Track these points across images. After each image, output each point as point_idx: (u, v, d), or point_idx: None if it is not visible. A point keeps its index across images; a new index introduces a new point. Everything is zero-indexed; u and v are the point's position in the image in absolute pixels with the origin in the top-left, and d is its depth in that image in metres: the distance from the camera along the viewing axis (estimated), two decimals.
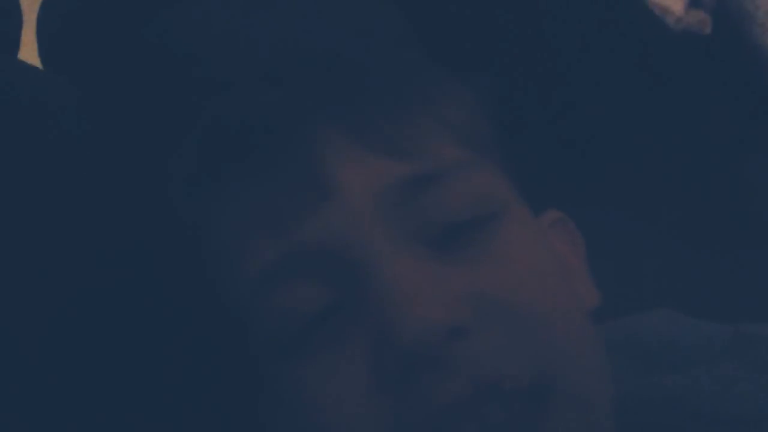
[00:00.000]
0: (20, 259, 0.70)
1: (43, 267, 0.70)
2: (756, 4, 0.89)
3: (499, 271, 0.60)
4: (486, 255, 0.60)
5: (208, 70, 0.70)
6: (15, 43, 0.79)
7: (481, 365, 0.57)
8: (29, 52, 0.80)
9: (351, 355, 0.58)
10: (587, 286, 0.67)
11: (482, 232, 0.60)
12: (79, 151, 0.73)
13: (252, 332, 0.61)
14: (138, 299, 0.65)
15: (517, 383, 0.57)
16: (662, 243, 0.81)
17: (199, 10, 0.74)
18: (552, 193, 0.70)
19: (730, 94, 0.88)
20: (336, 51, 0.70)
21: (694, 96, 0.87)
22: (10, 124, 0.72)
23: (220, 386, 0.63)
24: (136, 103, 0.72)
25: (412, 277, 0.58)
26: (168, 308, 0.64)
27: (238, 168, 0.61)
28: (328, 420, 0.59)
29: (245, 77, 0.66)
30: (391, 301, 0.57)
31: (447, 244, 0.60)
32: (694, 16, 0.90)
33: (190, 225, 0.63)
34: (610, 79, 0.86)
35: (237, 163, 0.61)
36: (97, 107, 0.75)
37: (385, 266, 0.58)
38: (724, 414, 0.69)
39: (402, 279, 0.58)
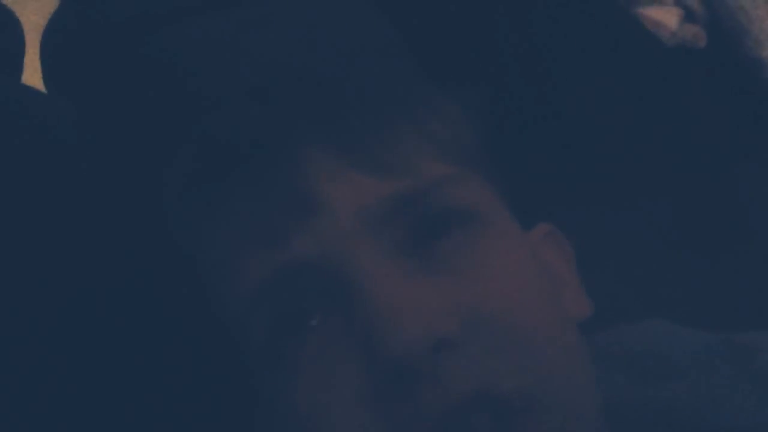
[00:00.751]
0: (21, 267, 0.71)
1: (45, 275, 0.71)
2: (749, 18, 0.90)
3: (483, 283, 0.61)
4: (471, 268, 0.61)
5: (201, 87, 0.71)
6: (18, 66, 0.80)
7: (468, 377, 0.58)
8: (34, 76, 0.81)
9: (340, 368, 0.59)
10: (579, 297, 0.68)
11: (467, 246, 0.61)
12: (78, 168, 0.74)
13: (245, 344, 0.62)
14: (135, 305, 0.66)
15: (503, 395, 0.58)
16: (655, 251, 0.81)
17: (193, 29, 0.75)
18: (544, 200, 0.71)
19: (724, 106, 0.88)
20: (322, 70, 0.71)
21: (689, 107, 0.88)
22: (11, 142, 0.73)
23: (216, 394, 0.64)
24: (130, 120, 0.73)
25: (398, 291, 0.59)
26: (165, 314, 0.65)
27: (227, 183, 0.63)
28: (319, 429, 0.59)
29: (234, 94, 0.67)
30: (378, 315, 0.58)
31: (432, 258, 0.61)
32: (688, 30, 0.91)
33: (184, 238, 0.65)
34: (605, 92, 0.86)
35: (226, 178, 0.63)
36: (94, 124, 0.76)
37: (372, 281, 0.59)
38: (719, 424, 0.69)
39: (388, 293, 0.59)
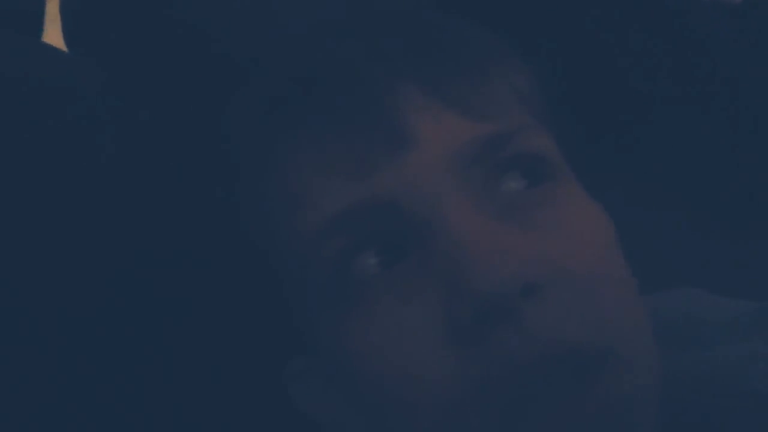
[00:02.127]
0: (46, 239, 0.71)
1: (75, 248, 0.71)
2: None
3: (567, 237, 0.61)
4: (554, 221, 0.61)
5: (276, 23, 0.70)
6: (39, 25, 0.80)
7: (553, 327, 0.58)
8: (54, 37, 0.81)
9: (420, 307, 0.59)
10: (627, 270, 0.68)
11: (550, 198, 0.62)
12: (107, 131, 0.74)
13: (311, 282, 0.61)
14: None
15: (584, 348, 0.58)
16: (685, 224, 0.81)
17: None
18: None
19: (763, 67, 0.87)
20: (415, 12, 0.70)
21: (727, 69, 0.87)
22: (37, 107, 0.72)
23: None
24: (172, 68, 0.73)
25: (486, 231, 0.59)
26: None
27: (313, 112, 0.62)
28: (397, 370, 0.59)
29: (320, 30, 0.66)
30: (465, 254, 0.58)
31: (517, 206, 0.61)
32: None
33: (252, 171, 0.63)
34: (643, 52, 0.85)
35: (312, 108, 0.62)
36: (125, 81, 0.76)
37: (460, 220, 0.59)
38: (750, 390, 0.69)
39: (477, 233, 0.58)
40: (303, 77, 0.63)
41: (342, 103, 0.61)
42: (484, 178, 0.61)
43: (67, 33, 0.78)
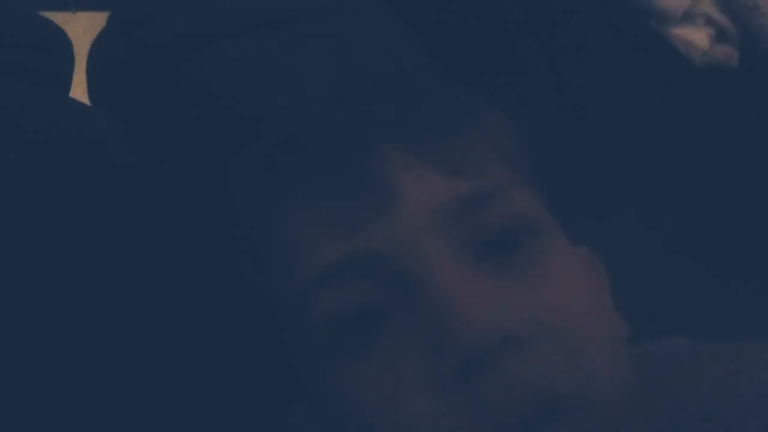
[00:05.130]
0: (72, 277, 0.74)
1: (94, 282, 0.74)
2: None
3: (547, 291, 0.63)
4: (534, 275, 0.64)
5: (267, 94, 0.73)
6: (67, 83, 0.83)
7: (530, 377, 0.60)
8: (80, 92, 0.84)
9: (405, 357, 0.62)
10: (614, 320, 0.70)
11: (531, 253, 0.64)
12: (126, 176, 0.77)
13: (305, 331, 0.64)
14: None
15: (560, 397, 0.60)
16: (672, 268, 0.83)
17: (235, 49, 0.78)
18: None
19: (759, 126, 0.88)
20: (399, 77, 0.74)
21: (721, 127, 0.88)
22: (63, 154, 0.76)
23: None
24: (181, 129, 0.76)
25: (467, 286, 0.61)
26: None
27: (306, 173, 0.65)
28: (386, 418, 0.62)
29: (314, 96, 0.70)
30: (447, 308, 0.60)
31: (498, 261, 0.63)
32: (720, 50, 0.91)
33: (250, 225, 0.67)
34: (635, 111, 0.87)
35: (306, 169, 0.65)
36: (142, 138, 0.79)
37: (442, 276, 0.62)
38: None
39: (458, 287, 0.61)
40: (294, 140, 0.67)
41: (330, 164, 0.65)
42: (467, 235, 0.63)
43: (91, 90, 0.82)
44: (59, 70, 0.83)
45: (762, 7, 0.91)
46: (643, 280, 0.79)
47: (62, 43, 0.84)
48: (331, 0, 0.85)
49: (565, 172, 0.83)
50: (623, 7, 0.91)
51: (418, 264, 0.62)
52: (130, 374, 0.72)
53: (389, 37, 0.85)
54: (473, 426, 0.60)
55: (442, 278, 0.62)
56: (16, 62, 0.80)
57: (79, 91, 0.83)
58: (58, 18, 0.85)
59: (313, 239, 0.64)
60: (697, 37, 0.90)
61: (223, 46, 0.79)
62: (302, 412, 0.68)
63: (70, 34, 0.83)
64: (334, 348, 0.64)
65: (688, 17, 0.91)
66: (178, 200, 0.75)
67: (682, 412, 0.70)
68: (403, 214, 0.63)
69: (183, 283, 0.73)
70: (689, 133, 0.87)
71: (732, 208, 0.85)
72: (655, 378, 0.72)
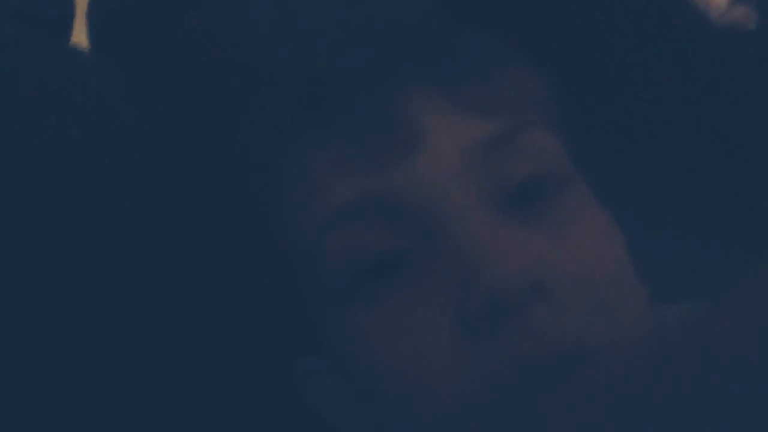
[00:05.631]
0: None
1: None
2: None
3: (570, 239, 0.62)
4: (559, 224, 0.63)
5: (284, 35, 0.72)
6: (67, 30, 0.81)
7: (556, 326, 0.59)
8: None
9: (427, 305, 0.60)
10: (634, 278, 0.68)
11: (555, 200, 0.63)
12: (128, 129, 0.75)
13: (321, 275, 0.62)
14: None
15: (581, 348, 0.60)
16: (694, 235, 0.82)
17: None
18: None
19: None
20: (423, 19, 0.71)
21: (736, 92, 0.87)
22: (62, 106, 0.74)
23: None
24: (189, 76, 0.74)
25: (493, 232, 0.60)
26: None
27: (326, 114, 0.64)
28: (409, 365, 0.60)
29: (333, 40, 0.68)
30: (474, 253, 0.59)
31: (523, 207, 0.62)
32: (738, 11, 0.90)
33: (264, 166, 0.65)
34: (651, 73, 0.86)
35: (325, 110, 0.64)
36: (145, 86, 0.77)
37: (469, 219, 0.60)
38: None
39: (485, 232, 0.60)
40: (314, 82, 0.65)
41: (354, 105, 0.63)
42: (492, 179, 0.62)
43: (92, 36, 0.80)
44: (59, 16, 0.81)
45: None
46: (660, 244, 0.78)
47: None
48: None
49: (587, 120, 0.81)
50: None
51: (441, 207, 0.61)
52: (139, 314, 0.70)
53: None
54: (498, 375, 0.58)
55: (468, 223, 0.60)
56: (15, 8, 0.78)
57: (80, 38, 0.81)
58: None
59: (329, 179, 0.62)
60: None
61: None
62: (310, 366, 0.66)
63: None
64: (349, 296, 0.62)
65: None
66: (183, 148, 0.73)
67: (695, 371, 0.69)
68: (427, 155, 0.62)
69: (189, 228, 0.71)
70: (703, 94, 0.86)
71: (753, 172, 0.83)
72: (670, 341, 0.71)
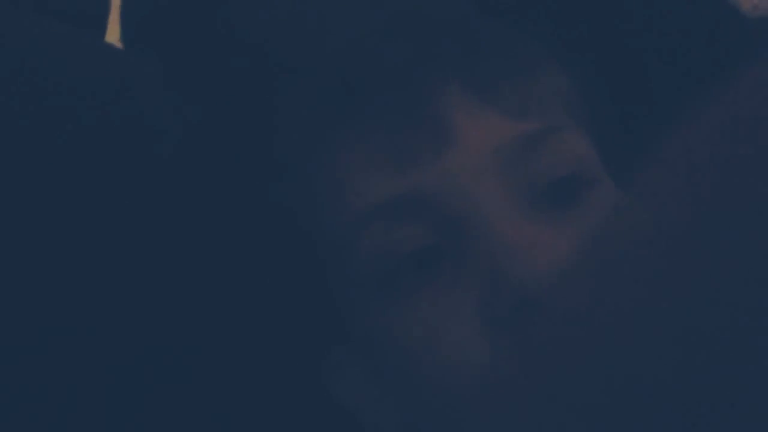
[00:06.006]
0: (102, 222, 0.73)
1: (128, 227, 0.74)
2: None
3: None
4: (588, 224, 0.63)
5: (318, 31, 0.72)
6: (103, 25, 0.82)
7: (584, 319, 0.60)
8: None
9: (456, 300, 0.62)
10: None
11: (585, 200, 0.64)
12: (161, 124, 0.76)
13: (351, 270, 0.64)
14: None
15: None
16: None
17: None
18: None
19: None
20: (457, 17, 0.72)
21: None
22: (97, 102, 0.75)
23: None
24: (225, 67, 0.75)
25: (523, 230, 0.61)
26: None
27: (359, 110, 0.64)
28: (437, 359, 0.62)
29: (367, 35, 0.68)
30: (503, 250, 0.60)
31: (553, 206, 0.63)
32: None
33: (300, 162, 0.66)
34: (680, 66, 0.85)
35: (358, 106, 0.64)
36: (181, 79, 0.78)
37: (498, 216, 0.61)
38: None
39: (513, 229, 0.61)
40: (348, 77, 0.66)
41: (387, 102, 0.64)
42: (523, 177, 0.63)
43: (127, 32, 0.81)
44: (95, 12, 0.82)
45: None
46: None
47: None
48: None
49: (618, 122, 0.82)
50: None
51: (472, 205, 0.62)
52: (174, 306, 0.71)
53: None
54: (525, 369, 0.59)
55: (498, 221, 0.61)
56: (51, 4, 0.79)
57: (114, 34, 0.82)
58: None
59: (362, 176, 0.63)
60: None
61: None
62: (339, 359, 0.67)
63: None
64: (379, 290, 0.63)
65: None
66: (217, 145, 0.74)
67: None
68: (459, 153, 0.62)
69: (225, 225, 0.72)
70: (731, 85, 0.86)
71: None
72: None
